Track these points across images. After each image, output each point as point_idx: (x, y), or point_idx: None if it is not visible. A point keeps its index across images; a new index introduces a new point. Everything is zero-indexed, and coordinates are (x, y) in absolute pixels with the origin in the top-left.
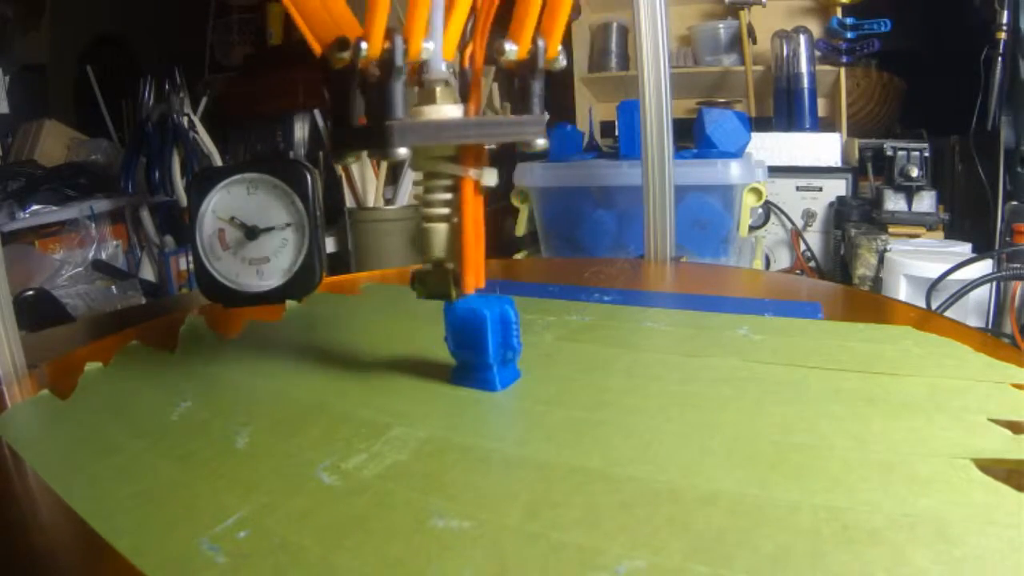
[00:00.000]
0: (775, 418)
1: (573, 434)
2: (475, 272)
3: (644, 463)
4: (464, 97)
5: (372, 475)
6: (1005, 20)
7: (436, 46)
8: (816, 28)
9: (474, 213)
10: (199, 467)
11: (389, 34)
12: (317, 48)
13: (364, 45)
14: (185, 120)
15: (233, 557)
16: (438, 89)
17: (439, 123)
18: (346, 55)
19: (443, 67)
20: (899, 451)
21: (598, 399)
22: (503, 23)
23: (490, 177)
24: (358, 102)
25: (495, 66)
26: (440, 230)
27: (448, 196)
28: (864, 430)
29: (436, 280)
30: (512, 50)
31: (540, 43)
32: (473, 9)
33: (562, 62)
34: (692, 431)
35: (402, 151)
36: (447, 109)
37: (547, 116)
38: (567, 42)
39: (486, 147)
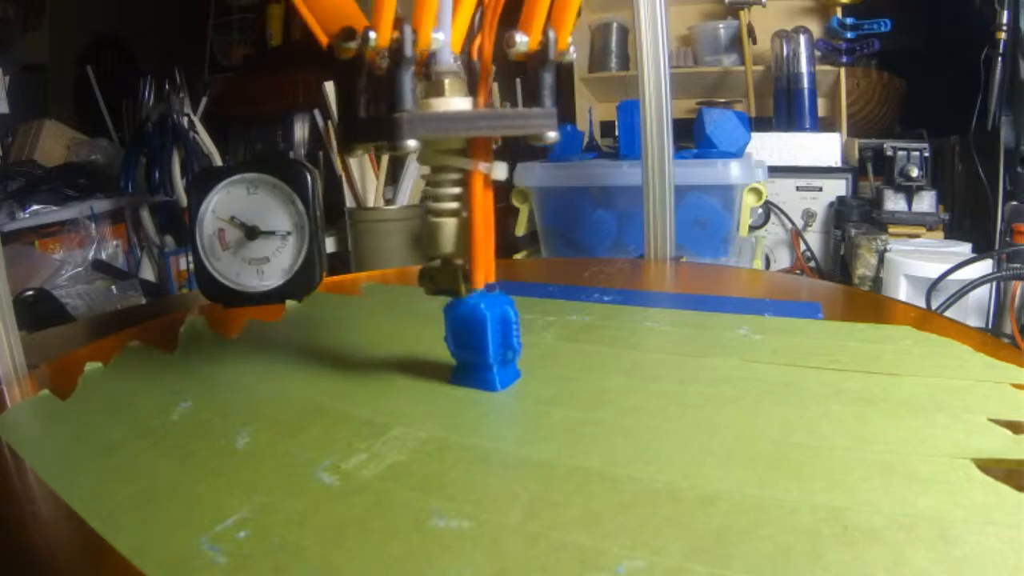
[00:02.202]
0: (775, 418)
1: (573, 434)
2: (485, 267)
3: (644, 463)
4: (472, 90)
5: (372, 475)
6: (1005, 20)
7: (445, 37)
8: (816, 28)
9: (484, 207)
10: (199, 467)
11: (398, 24)
12: (323, 39)
13: (372, 35)
14: (185, 120)
15: (233, 557)
16: (447, 81)
17: (449, 115)
18: (353, 45)
19: (451, 59)
20: (899, 451)
21: (598, 399)
22: (509, 17)
23: (500, 171)
24: (365, 94)
25: (502, 60)
26: (449, 225)
27: (457, 190)
28: (864, 430)
29: (445, 276)
30: (523, 41)
31: (551, 34)
32: (480, 1)
33: (572, 54)
34: (692, 431)
35: (411, 143)
36: (456, 101)
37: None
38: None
39: (493, 143)
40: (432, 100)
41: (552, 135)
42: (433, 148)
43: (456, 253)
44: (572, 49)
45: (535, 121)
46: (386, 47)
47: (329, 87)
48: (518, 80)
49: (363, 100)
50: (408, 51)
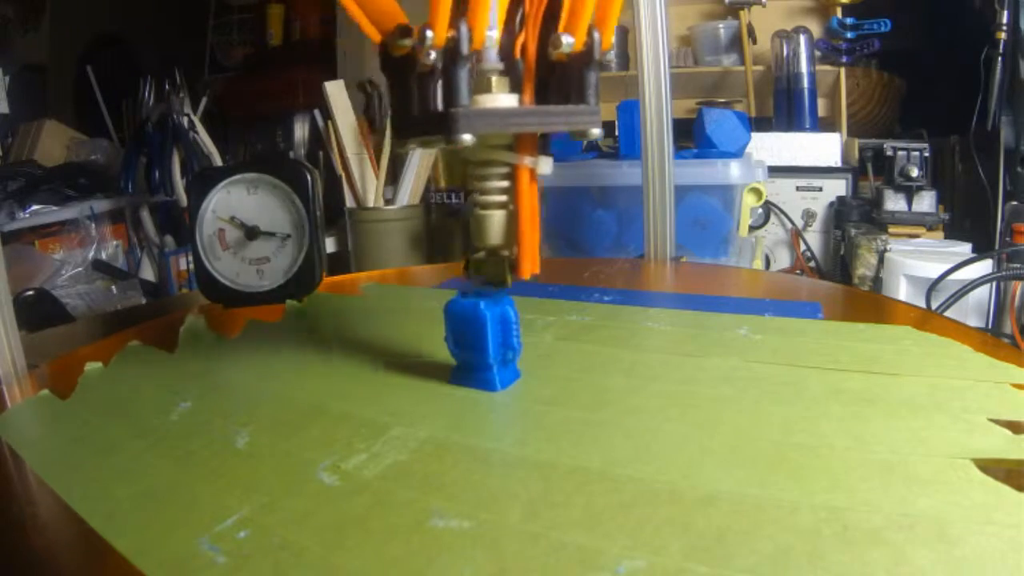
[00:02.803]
0: (775, 418)
1: (573, 434)
2: (531, 258)
3: (644, 463)
4: (516, 87)
5: (372, 475)
6: (1005, 20)
7: (497, 35)
8: (816, 28)
9: (530, 200)
10: (199, 467)
11: (454, 22)
12: (375, 36)
13: (429, 33)
14: (185, 120)
15: (233, 557)
16: (493, 79)
17: (501, 111)
18: (408, 43)
19: (496, 57)
20: (899, 451)
21: (598, 399)
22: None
23: (545, 165)
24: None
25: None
26: (497, 217)
27: (504, 184)
28: (864, 430)
29: (492, 267)
30: (569, 43)
31: (596, 35)
32: (519, 0)
33: (612, 56)
34: (692, 431)
35: (467, 137)
36: (503, 98)
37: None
38: None
39: (538, 138)
40: (479, 97)
41: (596, 131)
42: (482, 143)
43: (504, 244)
44: (612, 50)
45: (581, 118)
46: (442, 46)
47: (329, 87)
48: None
49: (417, 97)
50: (465, 49)
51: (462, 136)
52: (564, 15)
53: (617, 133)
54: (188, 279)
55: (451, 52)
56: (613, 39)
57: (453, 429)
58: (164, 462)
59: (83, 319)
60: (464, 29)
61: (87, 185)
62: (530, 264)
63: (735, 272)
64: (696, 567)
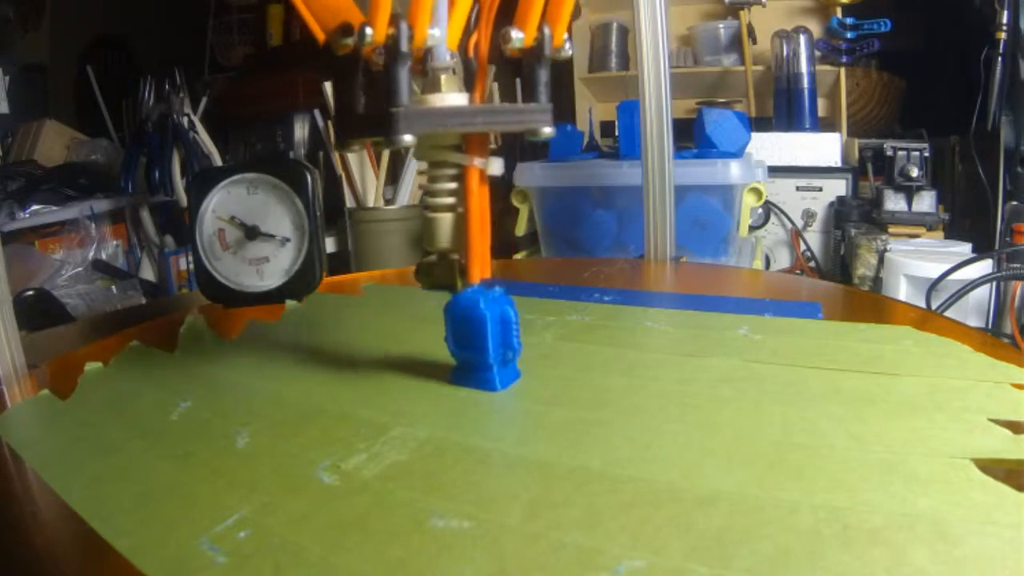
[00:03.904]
0: (775, 418)
1: (573, 434)
2: (481, 262)
3: (644, 463)
4: (468, 86)
5: (372, 475)
6: (1005, 20)
7: (441, 33)
8: (816, 28)
9: (480, 203)
10: (199, 467)
11: (394, 20)
12: (320, 35)
13: (369, 31)
14: (185, 120)
15: (233, 557)
16: (443, 77)
17: (445, 110)
18: (350, 41)
19: (447, 55)
20: (899, 451)
21: (598, 399)
22: (505, 16)
23: (495, 166)
24: (362, 90)
25: (499, 59)
26: (445, 220)
27: (453, 186)
28: (864, 430)
29: (442, 271)
30: (519, 38)
31: (546, 31)
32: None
33: (568, 51)
34: (692, 431)
35: (407, 138)
36: (452, 97)
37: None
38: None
39: (489, 139)
40: (428, 96)
41: (548, 130)
42: (430, 144)
43: (453, 248)
44: (568, 46)
45: (531, 116)
46: (382, 43)
47: (329, 87)
48: (518, 80)
49: (360, 96)
50: (404, 47)
51: (402, 137)
52: (517, 11)
53: (617, 133)
54: (188, 279)
55: (391, 50)
56: (566, 36)
57: (453, 429)
58: (164, 462)
59: (83, 319)
60: (404, 27)
61: (87, 185)
62: (480, 268)
63: (735, 272)
64: (696, 567)
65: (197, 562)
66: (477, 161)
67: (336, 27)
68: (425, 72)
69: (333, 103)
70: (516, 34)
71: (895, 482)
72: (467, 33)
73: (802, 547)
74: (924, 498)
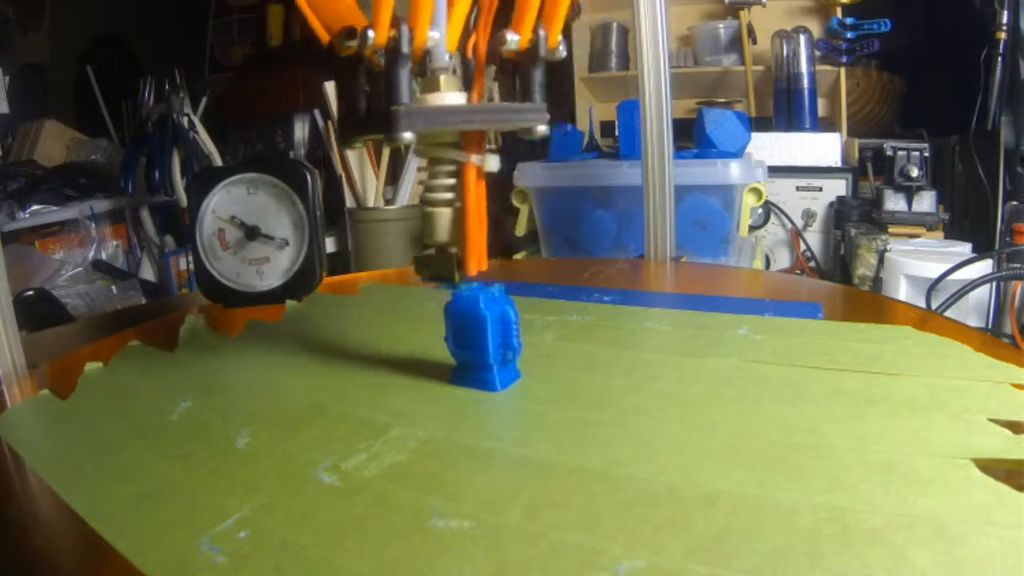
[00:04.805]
0: (775, 418)
1: (573, 434)
2: (478, 255)
3: (644, 463)
4: (467, 86)
5: (372, 475)
6: (1005, 20)
7: (440, 35)
8: (816, 28)
9: (476, 198)
10: (199, 467)
11: (395, 22)
12: (324, 37)
13: (371, 34)
14: (185, 120)
15: (233, 557)
16: (442, 77)
17: (444, 109)
18: (353, 43)
19: (447, 56)
20: (899, 451)
21: (598, 399)
22: (504, 18)
23: (492, 163)
24: (364, 90)
25: (497, 61)
26: (443, 214)
27: (451, 181)
28: (864, 430)
29: (440, 263)
30: (514, 40)
31: (541, 32)
32: (476, 1)
33: (562, 52)
34: (692, 431)
35: (407, 135)
36: (451, 96)
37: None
38: (567, 42)
39: (486, 136)
40: (428, 96)
41: (542, 129)
42: (429, 141)
43: (450, 242)
44: (562, 47)
45: (526, 115)
46: (384, 45)
47: (329, 87)
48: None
49: (363, 96)
50: (405, 48)
51: (402, 134)
52: (513, 13)
53: (617, 133)
54: (188, 279)
55: (392, 52)
56: (560, 38)
57: (453, 429)
58: (164, 462)
59: (83, 319)
60: (404, 29)
61: (87, 185)
62: (476, 261)
63: (735, 272)
64: (696, 567)
65: (197, 562)
66: (474, 158)
67: (340, 30)
68: (424, 73)
69: (336, 103)
70: (512, 36)
71: (895, 482)
72: (466, 34)
73: (802, 547)
74: (924, 498)
